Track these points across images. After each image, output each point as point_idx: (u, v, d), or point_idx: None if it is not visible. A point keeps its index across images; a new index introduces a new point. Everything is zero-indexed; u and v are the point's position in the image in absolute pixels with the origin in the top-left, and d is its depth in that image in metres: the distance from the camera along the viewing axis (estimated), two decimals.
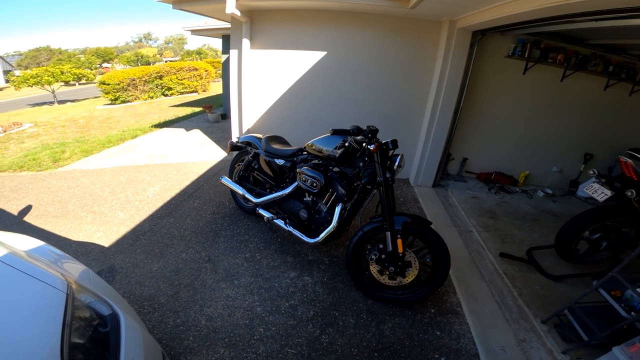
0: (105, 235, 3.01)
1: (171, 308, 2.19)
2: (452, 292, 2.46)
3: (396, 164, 2.09)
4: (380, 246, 2.10)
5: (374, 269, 2.22)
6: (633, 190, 2.26)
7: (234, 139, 3.22)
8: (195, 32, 7.90)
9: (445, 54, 3.66)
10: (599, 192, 2.51)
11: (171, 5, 3.90)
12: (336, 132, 2.10)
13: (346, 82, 4.21)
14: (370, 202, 2.35)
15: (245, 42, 4.04)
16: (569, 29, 2.89)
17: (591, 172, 2.64)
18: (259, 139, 2.95)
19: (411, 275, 2.15)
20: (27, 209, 3.55)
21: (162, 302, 2.24)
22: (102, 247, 2.84)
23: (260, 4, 3.68)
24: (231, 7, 3.36)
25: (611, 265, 2.63)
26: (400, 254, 2.06)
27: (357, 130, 2.07)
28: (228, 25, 4.64)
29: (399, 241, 2.03)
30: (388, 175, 2.07)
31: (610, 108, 4.27)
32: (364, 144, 2.08)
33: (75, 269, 1.43)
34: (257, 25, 4.04)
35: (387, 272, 2.14)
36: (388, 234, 2.04)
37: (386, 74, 4.11)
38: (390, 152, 2.12)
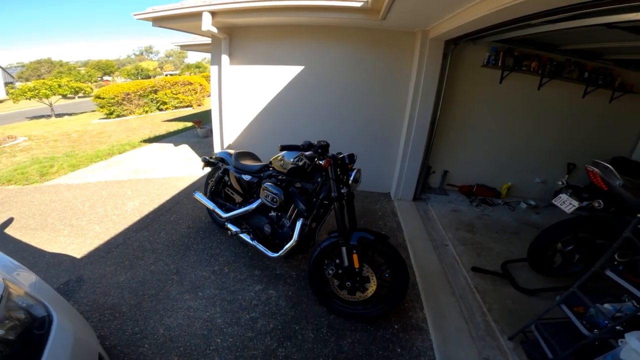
0: (79, 247, 3.05)
1: (132, 317, 2.23)
2: (420, 308, 2.44)
3: (351, 178, 2.11)
4: (337, 261, 2.11)
5: (333, 283, 2.23)
6: (600, 201, 2.27)
7: (207, 156, 3.26)
8: (184, 47, 8.07)
9: (419, 65, 3.72)
10: (567, 204, 2.50)
11: (151, 23, 4.01)
12: (285, 148, 2.14)
13: (323, 94, 4.27)
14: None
15: (225, 59, 4.14)
16: (537, 34, 2.87)
17: (559, 183, 2.64)
18: (231, 155, 3.00)
19: (370, 290, 2.16)
20: (9, 221, 3.59)
21: (123, 311, 2.28)
22: (74, 258, 2.88)
23: (236, 21, 3.78)
24: (207, 25, 3.46)
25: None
26: (357, 269, 2.07)
27: (308, 146, 2.10)
28: None
29: (355, 256, 2.04)
30: (345, 190, 2.09)
31: (591, 116, 4.27)
32: (315, 159, 2.11)
33: (25, 277, 1.54)
34: (236, 41, 4.15)
35: (346, 287, 2.14)
36: (344, 249, 2.05)
37: (362, 86, 4.16)
38: (351, 167, 2.15)
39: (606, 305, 1.71)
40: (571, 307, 1.82)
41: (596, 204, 2.31)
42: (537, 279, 2.81)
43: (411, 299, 2.50)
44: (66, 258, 2.88)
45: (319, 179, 2.21)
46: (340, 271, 2.11)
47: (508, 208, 4.40)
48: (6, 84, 34.02)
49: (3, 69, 38.01)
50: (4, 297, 1.18)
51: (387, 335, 2.17)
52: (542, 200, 4.62)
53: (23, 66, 48.14)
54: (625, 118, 4.28)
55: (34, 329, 1.20)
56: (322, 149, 2.07)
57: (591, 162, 2.56)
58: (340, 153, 2.15)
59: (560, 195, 2.57)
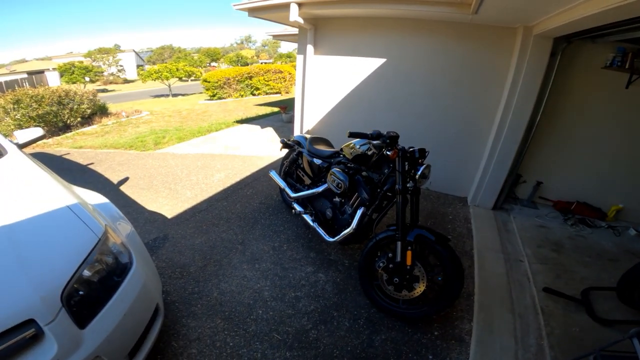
0: (172, 208, 3.60)
1: (195, 278, 2.52)
2: (469, 319, 2.25)
3: (419, 173, 2.05)
4: (390, 255, 2.10)
5: (382, 277, 2.22)
6: None
7: (285, 138, 3.50)
8: (276, 37, 8.60)
9: (519, 64, 3.31)
10: None
11: (247, 13, 4.42)
12: (353, 135, 2.14)
13: (402, 88, 4.14)
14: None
15: (310, 48, 4.32)
16: None
17: None
18: (306, 139, 3.17)
19: (417, 290, 2.10)
20: (125, 180, 4.43)
21: (190, 271, 2.60)
22: (165, 218, 3.41)
23: (322, 12, 3.89)
24: (294, 16, 3.67)
25: None
26: (409, 267, 2.02)
27: (377, 135, 2.09)
28: None
29: (409, 253, 1.99)
30: (410, 184, 2.04)
31: None
32: (382, 149, 2.09)
33: (123, 226, 1.83)
34: (320, 32, 4.28)
35: (394, 283, 2.13)
36: (399, 243, 2.02)
37: (447, 83, 3.91)
38: (421, 162, 2.10)
39: None
40: None
41: None
42: (621, 311, 2.34)
43: (462, 309, 2.34)
44: (160, 217, 3.42)
45: (386, 170, 2.20)
46: (391, 266, 2.09)
47: (612, 232, 3.65)
48: (138, 66, 40.84)
49: (136, 52, 45.75)
50: (100, 241, 1.41)
51: (423, 339, 2.07)
52: None
53: (151, 51, 57.25)
54: None
55: (115, 276, 1.42)
56: (390, 139, 2.04)
57: None
58: (412, 147, 2.09)
59: None
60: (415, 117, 4.21)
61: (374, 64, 4.16)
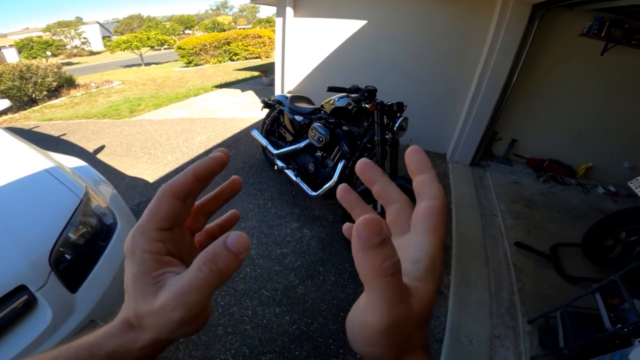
0: (153, 173, 3.54)
1: None
2: (447, 273, 2.34)
3: (396, 125, 2.09)
4: (371, 206, 2.16)
5: None
6: None
7: (266, 98, 3.44)
8: (254, 0, 8.16)
9: (498, 27, 3.35)
10: None
11: None
12: (332, 89, 2.15)
13: (386, 50, 4.09)
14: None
15: (289, 11, 4.17)
16: None
17: None
18: (287, 98, 3.12)
19: None
20: (101, 148, 4.28)
21: None
22: (147, 182, 3.36)
23: None
24: None
25: None
26: None
27: (355, 89, 2.10)
28: None
29: None
30: (389, 136, 2.08)
31: None
32: (361, 102, 2.11)
33: (105, 189, 1.79)
34: None
35: None
36: None
37: (428, 43, 3.89)
38: (399, 115, 2.11)
39: None
40: (606, 298, 1.58)
41: None
42: (588, 268, 2.47)
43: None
44: (141, 182, 3.36)
45: (365, 123, 2.22)
46: None
47: (581, 190, 3.87)
48: (104, 37, 38.43)
49: (100, 24, 42.87)
50: (82, 202, 1.38)
51: None
52: (625, 188, 3.91)
53: (118, 22, 53.44)
54: None
55: (100, 239, 1.39)
56: (369, 92, 2.06)
57: None
58: (390, 101, 2.11)
59: (638, 177, 2.22)
60: (398, 77, 4.20)
61: (356, 25, 4.07)
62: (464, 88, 3.96)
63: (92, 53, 33.98)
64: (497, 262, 2.54)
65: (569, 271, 2.42)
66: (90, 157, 3.98)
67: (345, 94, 2.19)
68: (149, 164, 3.73)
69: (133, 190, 3.21)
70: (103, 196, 1.63)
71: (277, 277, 2.22)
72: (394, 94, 4.15)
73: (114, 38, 27.71)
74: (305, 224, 2.77)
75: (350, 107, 2.24)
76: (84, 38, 34.60)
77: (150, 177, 3.45)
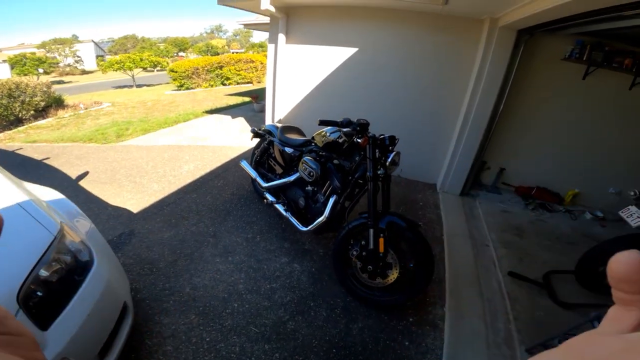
0: (137, 202, 3.42)
1: (165, 273, 2.43)
2: (441, 305, 2.31)
3: (389, 160, 2.05)
4: (363, 243, 2.11)
5: (356, 265, 2.24)
6: None
7: (256, 128, 3.42)
8: (247, 26, 8.35)
9: (484, 54, 3.42)
10: (635, 217, 2.22)
11: (217, 1, 4.22)
12: (323, 123, 2.13)
13: (375, 77, 4.15)
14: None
15: (281, 37, 4.22)
16: (634, 28, 2.46)
17: (631, 193, 2.35)
18: (277, 128, 3.10)
19: (391, 278, 2.13)
20: (84, 174, 4.16)
21: (160, 267, 2.49)
22: (131, 212, 3.24)
23: (294, 0, 3.81)
24: (265, 4, 3.56)
25: None
26: (382, 254, 2.05)
27: (347, 123, 2.07)
28: None
29: (381, 240, 2.01)
30: (381, 171, 2.05)
31: None
32: (353, 137, 2.08)
33: (82, 223, 1.73)
34: (292, 21, 4.19)
35: (368, 271, 2.15)
36: (371, 231, 2.03)
37: (417, 72, 3.96)
38: (391, 149, 2.09)
39: None
40: None
41: None
42: (581, 294, 2.49)
43: (435, 294, 2.41)
44: (125, 212, 3.25)
45: (357, 158, 2.20)
46: (364, 253, 2.11)
47: (569, 217, 3.92)
48: (97, 56, 38.62)
49: (95, 43, 43.15)
50: (56, 239, 1.35)
51: (399, 326, 2.12)
52: (612, 213, 3.96)
53: (113, 41, 53.97)
54: None
55: (75, 275, 1.35)
56: (361, 127, 2.04)
57: None
58: (382, 134, 2.09)
59: (629, 207, 2.26)
60: (388, 105, 4.25)
61: (346, 53, 4.14)
62: (452, 116, 4.01)
63: (84, 72, 33.92)
64: (491, 292, 2.52)
65: (563, 298, 2.43)
66: (73, 184, 3.87)
67: (334, 125, 2.16)
68: (134, 193, 3.62)
69: (115, 221, 3.09)
70: (80, 231, 1.59)
71: (266, 313, 2.15)
72: (384, 121, 4.22)
73: (107, 57, 27.88)
74: (295, 258, 2.70)
75: (341, 141, 2.22)
76: (78, 56, 34.75)
77: (134, 207, 3.34)
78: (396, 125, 4.17)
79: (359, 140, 2.01)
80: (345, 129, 2.10)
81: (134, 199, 3.51)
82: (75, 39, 44.12)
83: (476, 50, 3.61)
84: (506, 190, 4.43)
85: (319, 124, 2.14)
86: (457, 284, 2.56)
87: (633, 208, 2.23)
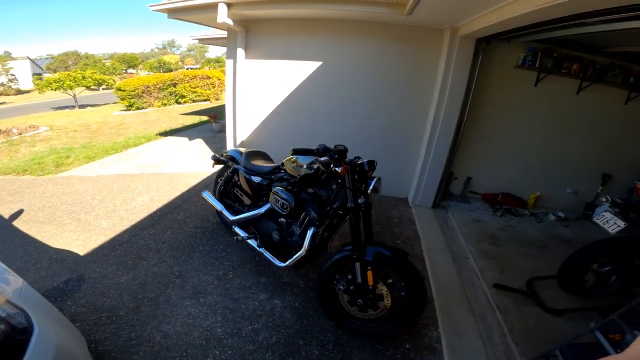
0: (84, 244, 2.98)
1: (129, 322, 2.13)
2: (434, 326, 2.24)
3: (370, 188, 1.90)
4: (350, 277, 1.93)
5: (343, 299, 2.04)
6: None
7: (218, 154, 3.12)
8: (203, 41, 8.00)
9: (447, 64, 3.47)
10: (611, 223, 2.26)
11: (167, 15, 3.91)
12: (298, 152, 1.92)
13: (343, 92, 4.07)
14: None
15: (241, 52, 4.00)
16: (583, 35, 2.57)
17: (604, 200, 2.41)
18: (242, 154, 2.85)
19: (383, 308, 1.96)
20: (19, 213, 3.58)
21: (121, 315, 2.18)
22: (77, 255, 2.82)
23: (254, 13, 3.62)
24: (223, 17, 3.33)
25: (620, 300, 2.38)
26: (371, 287, 1.87)
27: (324, 150, 1.88)
28: None
29: (370, 273, 1.85)
30: (362, 200, 1.87)
31: (632, 125, 3.86)
32: (331, 166, 1.90)
33: (12, 282, 1.45)
34: (253, 35, 4.00)
35: (357, 305, 1.96)
36: (357, 265, 1.86)
37: (384, 85, 3.94)
38: (371, 175, 1.93)
39: None
40: (606, 334, 1.60)
41: None
42: (565, 298, 2.54)
43: (426, 316, 2.29)
44: (70, 255, 2.81)
45: (334, 187, 2.00)
46: (352, 288, 1.93)
47: (535, 220, 4.07)
48: (34, 75, 35.55)
49: (32, 60, 39.79)
50: None
51: (397, 355, 1.99)
52: (572, 213, 4.24)
53: (52, 58, 49.99)
54: None
55: (11, 347, 1.10)
56: (339, 154, 1.85)
57: None
58: (359, 158, 1.92)
59: (604, 213, 2.31)
60: (358, 121, 4.17)
61: (311, 67, 4.01)
62: (420, 128, 4.02)
63: (20, 92, 30.96)
64: (481, 306, 2.50)
65: (550, 304, 2.46)
66: (6, 225, 3.32)
67: (310, 155, 1.96)
68: (79, 233, 3.15)
69: (59, 266, 2.66)
70: (6, 291, 1.36)
71: (253, 358, 1.94)
72: (353, 138, 4.14)
73: (45, 76, 25.65)
74: (275, 293, 2.45)
75: (320, 173, 2.02)
76: (12, 75, 31.64)
77: (81, 249, 2.90)
78: (365, 140, 4.12)
79: (337, 170, 1.81)
80: (322, 159, 1.89)
81: (80, 239, 3.04)
82: (8, 55, 40.37)
83: (439, 59, 3.65)
84: (474, 199, 4.52)
85: (293, 154, 1.93)
86: (446, 302, 2.51)
87: (608, 215, 2.27)
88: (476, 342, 2.15)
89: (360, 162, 1.87)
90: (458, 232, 3.64)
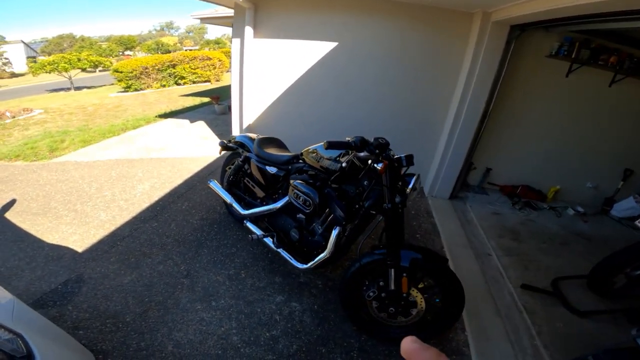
0: (82, 238, 2.76)
1: (136, 329, 1.94)
2: (461, 329, 2.10)
3: (410, 186, 1.63)
4: (381, 283, 1.72)
5: (371, 305, 1.85)
6: None
7: (225, 139, 2.86)
8: (204, 19, 7.57)
9: (476, 50, 3.19)
10: None
11: None
12: (332, 145, 1.62)
13: (356, 75, 3.79)
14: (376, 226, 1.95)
15: (248, 31, 3.67)
16: (630, 28, 2.37)
17: None
18: (253, 140, 2.58)
19: (415, 315, 1.78)
20: (11, 203, 3.34)
21: (127, 320, 1.99)
22: (75, 252, 2.59)
23: None
24: None
25: None
26: (404, 294, 1.68)
27: (361, 144, 1.60)
28: None
29: (404, 280, 1.64)
30: (398, 199, 1.61)
31: None
32: (369, 162, 1.62)
33: (1, 300, 1.23)
34: (262, 12, 3.66)
35: (388, 312, 1.77)
36: (392, 271, 1.65)
37: (403, 69, 3.65)
38: (403, 171, 1.67)
39: None
40: None
41: None
42: (590, 299, 2.46)
43: None
44: (67, 252, 2.59)
45: (365, 182, 1.73)
46: (383, 294, 1.73)
47: (554, 214, 3.90)
48: (28, 57, 34.89)
49: (25, 43, 38.97)
50: None
51: None
52: (590, 207, 4.07)
53: (47, 41, 48.73)
54: None
55: None
56: (379, 148, 1.58)
57: None
58: (391, 150, 1.65)
59: None
60: (371, 105, 3.91)
61: (324, 48, 3.70)
62: (441, 117, 3.78)
63: (14, 75, 30.32)
64: (507, 307, 2.39)
65: (576, 305, 2.37)
66: None
67: (345, 148, 1.68)
68: (76, 226, 2.92)
69: (56, 264, 2.43)
70: None
71: None
72: (367, 122, 3.92)
73: (40, 59, 24.94)
74: (291, 295, 2.27)
75: (349, 167, 1.74)
76: (6, 58, 31.20)
77: (79, 244, 2.67)
78: (379, 126, 3.89)
79: (377, 167, 1.55)
80: (361, 153, 1.63)
81: (77, 233, 2.82)
82: (1, 39, 39.35)
83: (465, 46, 3.37)
84: (492, 190, 4.33)
85: (327, 148, 1.62)
86: (471, 303, 2.33)
87: None
88: (504, 345, 2.05)
89: (396, 157, 1.61)
90: (477, 226, 3.47)
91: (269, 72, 3.99)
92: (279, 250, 2.22)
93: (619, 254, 2.37)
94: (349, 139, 1.62)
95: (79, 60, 13.88)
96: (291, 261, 2.13)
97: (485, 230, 3.38)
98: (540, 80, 3.61)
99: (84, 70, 15.18)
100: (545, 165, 4.11)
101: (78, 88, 14.51)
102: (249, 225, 2.45)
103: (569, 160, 4.04)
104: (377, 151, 1.56)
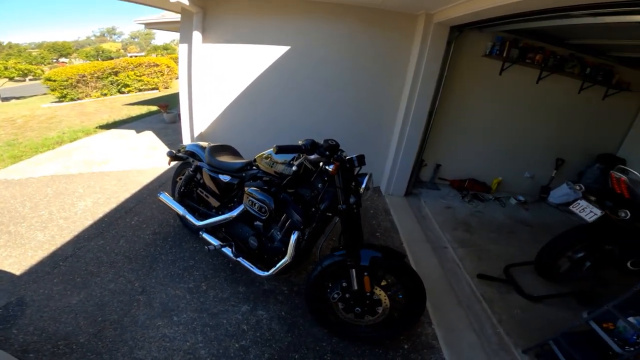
0: (19, 260, 2.49)
1: (93, 349, 1.81)
2: (428, 323, 2.19)
3: (363, 185, 1.69)
4: (344, 284, 1.75)
5: (338, 307, 1.87)
6: (627, 211, 2.06)
7: (174, 149, 2.72)
8: (150, 25, 7.19)
9: (421, 51, 3.38)
10: (587, 211, 2.30)
11: None
12: (282, 150, 1.59)
13: (310, 79, 3.82)
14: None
15: (197, 36, 3.54)
16: (552, 27, 2.65)
17: (577, 188, 2.50)
18: (204, 148, 2.47)
19: (382, 313, 1.82)
20: None
21: (81, 341, 1.85)
22: (12, 275, 2.35)
23: None
24: None
25: (594, 284, 2.55)
26: (368, 293, 1.71)
27: (311, 147, 1.61)
28: None
29: (366, 279, 1.68)
30: (353, 199, 1.64)
31: (584, 112, 4.19)
32: (320, 164, 1.64)
33: None
34: (211, 16, 3.54)
35: (354, 312, 1.79)
36: (353, 271, 1.68)
37: (354, 71, 3.76)
38: (356, 171, 1.70)
39: (630, 319, 1.57)
40: (600, 323, 1.67)
41: (622, 214, 2.11)
42: (540, 283, 2.67)
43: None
44: (3, 275, 2.33)
45: (320, 185, 1.74)
46: (347, 295, 1.75)
47: (499, 204, 4.26)
48: None
49: None
50: None
51: (397, 357, 1.91)
52: (530, 196, 4.53)
53: None
54: (616, 115, 4.28)
55: None
56: (330, 150, 1.60)
57: (617, 169, 2.36)
58: (342, 151, 1.69)
59: (579, 201, 2.37)
60: (326, 108, 3.96)
61: (277, 52, 3.68)
62: (392, 117, 3.94)
63: None
64: (467, 298, 2.52)
65: (528, 290, 2.55)
66: None
67: (296, 151, 1.66)
68: (11, 249, 2.61)
69: None
70: None
71: None
72: (321, 126, 3.94)
73: None
74: (257, 303, 2.22)
75: (301, 171, 1.77)
76: None
77: (16, 267, 2.40)
78: (335, 128, 3.96)
79: (329, 168, 1.56)
80: (311, 156, 1.64)
81: (12, 255, 2.52)
82: None
83: (411, 45, 3.56)
84: (443, 185, 4.61)
85: (277, 153, 1.58)
86: (434, 296, 2.44)
87: (583, 202, 2.32)
88: (470, 335, 2.15)
89: (347, 157, 1.65)
90: (432, 221, 3.65)
91: (220, 78, 3.88)
92: (238, 259, 2.15)
93: (559, 239, 2.55)
94: (300, 142, 1.62)
95: (5, 69, 12.52)
96: (252, 269, 2.08)
97: (439, 224, 3.57)
98: (478, 78, 3.93)
99: (11, 79, 13.68)
100: (488, 159, 4.47)
101: (5, 99, 12.99)
102: (205, 236, 2.35)
103: (507, 152, 4.43)
104: (328, 153, 1.59)
